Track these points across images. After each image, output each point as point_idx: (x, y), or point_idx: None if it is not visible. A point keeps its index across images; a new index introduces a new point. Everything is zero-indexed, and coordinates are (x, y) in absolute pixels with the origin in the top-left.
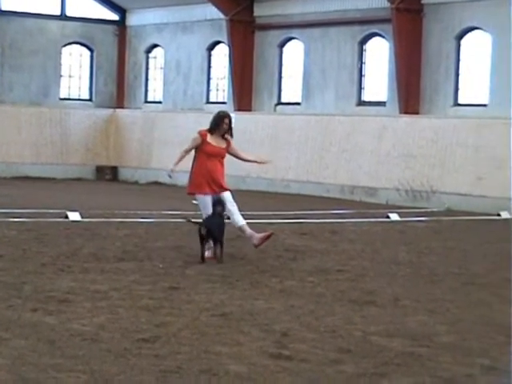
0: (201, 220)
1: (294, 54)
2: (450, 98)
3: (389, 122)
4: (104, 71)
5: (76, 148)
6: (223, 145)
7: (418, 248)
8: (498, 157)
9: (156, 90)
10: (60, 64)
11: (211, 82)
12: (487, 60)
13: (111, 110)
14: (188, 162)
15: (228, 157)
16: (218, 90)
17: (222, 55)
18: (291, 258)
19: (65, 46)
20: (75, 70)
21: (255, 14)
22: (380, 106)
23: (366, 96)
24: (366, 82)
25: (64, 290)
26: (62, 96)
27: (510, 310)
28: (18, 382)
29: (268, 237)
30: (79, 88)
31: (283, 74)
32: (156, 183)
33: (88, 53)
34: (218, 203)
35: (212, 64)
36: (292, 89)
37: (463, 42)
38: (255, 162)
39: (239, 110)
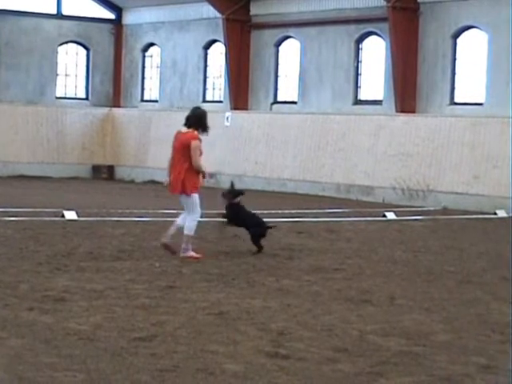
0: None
1: (291, 52)
2: (447, 97)
3: (385, 120)
4: (100, 70)
5: (72, 147)
6: None
7: (415, 247)
8: (495, 155)
9: (152, 89)
10: (56, 63)
11: (207, 80)
12: (483, 59)
13: (107, 109)
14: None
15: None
16: (214, 88)
17: (218, 54)
18: (288, 256)
19: (61, 44)
20: (71, 68)
21: (251, 12)
22: (376, 105)
23: (363, 95)
24: (362, 80)
25: (60, 289)
26: (58, 95)
27: (505, 309)
28: (15, 381)
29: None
30: (75, 87)
31: (279, 73)
32: (152, 182)
33: (84, 51)
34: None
35: (208, 63)
36: (288, 88)
37: (459, 40)
38: None
39: (235, 108)
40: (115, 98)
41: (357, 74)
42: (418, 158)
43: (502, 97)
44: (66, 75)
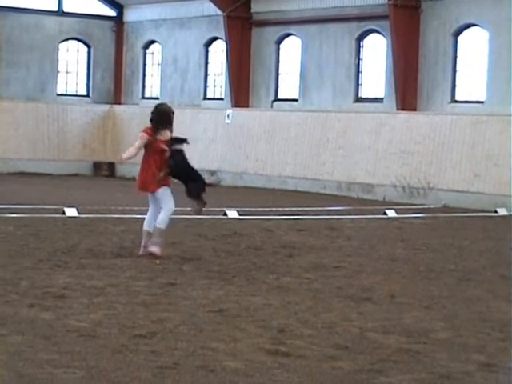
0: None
1: (292, 50)
2: (447, 95)
3: (386, 118)
4: (101, 67)
5: (73, 144)
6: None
7: (415, 244)
8: (495, 153)
9: (153, 86)
10: (57, 60)
11: (208, 78)
12: (484, 57)
13: (108, 106)
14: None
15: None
16: (215, 86)
17: (219, 51)
18: (288, 254)
19: (62, 41)
20: (72, 65)
21: (252, 10)
22: (377, 103)
23: (364, 92)
24: (363, 78)
25: (61, 286)
26: (59, 92)
27: (505, 307)
28: (15, 378)
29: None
30: (76, 84)
31: (280, 71)
32: None
33: (85, 49)
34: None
35: (209, 60)
36: (289, 85)
37: (460, 38)
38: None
39: (236, 106)
40: (116, 95)
41: (358, 72)
42: (418, 155)
43: (502, 95)
44: (67, 72)
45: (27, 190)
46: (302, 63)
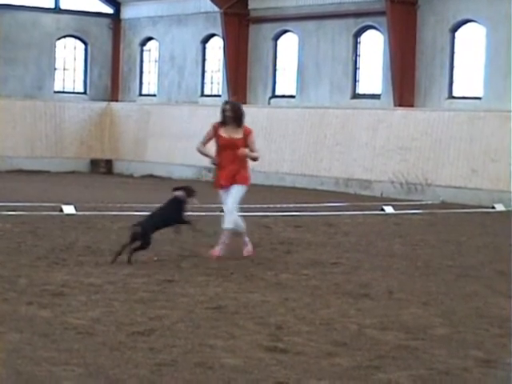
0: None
1: (289, 46)
2: (445, 91)
3: (383, 114)
4: (98, 64)
5: (70, 141)
6: (237, 135)
7: (413, 241)
8: (493, 149)
9: (150, 83)
10: (54, 57)
11: (206, 74)
12: (482, 53)
13: (106, 103)
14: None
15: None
16: (212, 82)
17: (216, 48)
18: (286, 250)
19: (59, 39)
20: (70, 63)
21: (250, 6)
22: (375, 99)
23: (361, 89)
24: (360, 74)
25: (59, 284)
26: (56, 89)
27: (503, 303)
28: (13, 376)
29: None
30: (74, 81)
31: (278, 67)
32: (151, 176)
33: (82, 46)
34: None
35: (206, 57)
36: (286, 82)
37: (458, 34)
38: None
39: None
40: (113, 92)
41: (355, 68)
42: (416, 152)
43: (500, 91)
44: (65, 69)
45: (25, 188)
46: (299, 60)
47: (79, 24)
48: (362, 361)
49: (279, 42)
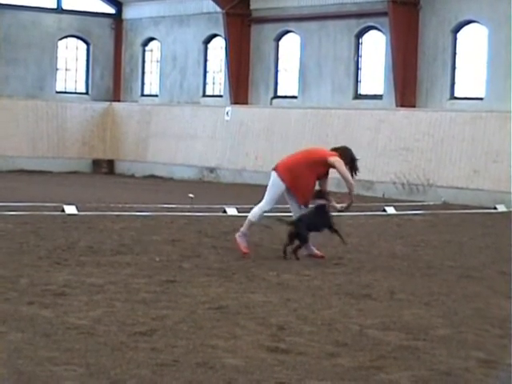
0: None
1: (291, 47)
2: (447, 92)
3: (385, 115)
4: (100, 64)
5: (72, 141)
6: None
7: (414, 241)
8: (495, 150)
9: (152, 84)
10: (56, 57)
11: (207, 75)
12: (483, 53)
13: (107, 104)
14: None
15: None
16: (214, 83)
17: (218, 48)
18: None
19: (61, 39)
20: (71, 63)
21: (251, 7)
22: (376, 100)
23: (363, 89)
24: (362, 75)
25: (60, 284)
26: (58, 89)
27: (505, 303)
28: (14, 376)
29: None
30: (75, 81)
31: (279, 68)
32: (152, 176)
33: (84, 46)
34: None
35: (208, 57)
36: (288, 82)
37: (460, 35)
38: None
39: (235, 103)
40: (115, 93)
41: (357, 69)
42: (418, 152)
43: (502, 91)
44: (66, 70)
45: (26, 188)
46: (301, 60)
47: (81, 24)
48: (363, 361)
49: (281, 42)
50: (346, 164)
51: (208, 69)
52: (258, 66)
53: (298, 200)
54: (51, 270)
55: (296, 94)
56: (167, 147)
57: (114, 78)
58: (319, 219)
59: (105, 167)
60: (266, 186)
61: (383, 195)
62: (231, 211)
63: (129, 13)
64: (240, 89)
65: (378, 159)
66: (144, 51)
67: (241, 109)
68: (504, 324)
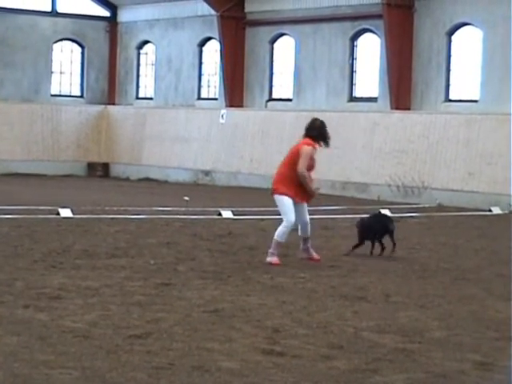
0: None
1: (285, 50)
2: (441, 94)
3: (380, 117)
4: (95, 67)
5: (67, 144)
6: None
7: (410, 244)
8: (489, 152)
9: (147, 87)
10: (51, 60)
11: (202, 78)
12: (478, 56)
13: (102, 107)
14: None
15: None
16: (209, 86)
17: (213, 51)
18: (283, 253)
19: (56, 42)
20: (66, 66)
21: (246, 9)
22: (371, 102)
23: (358, 92)
24: (357, 77)
25: (56, 287)
26: (53, 92)
27: (500, 306)
28: (10, 379)
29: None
30: (70, 84)
31: (274, 70)
32: (147, 179)
33: (79, 49)
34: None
35: (203, 60)
36: (283, 85)
37: (454, 37)
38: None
39: (230, 105)
40: (110, 96)
41: (352, 71)
42: (412, 154)
43: (496, 94)
44: (61, 73)
45: (21, 191)
46: (295, 63)
47: (76, 27)
48: (358, 364)
49: (276, 45)
50: (315, 137)
51: (203, 72)
52: (253, 69)
53: (307, 201)
54: (46, 273)
55: (291, 96)
56: (162, 150)
57: (109, 81)
58: (383, 226)
59: (100, 170)
60: (260, 189)
61: (378, 198)
62: (226, 214)
63: (124, 16)
64: (235, 92)
65: (372, 162)
66: (139, 54)
67: (236, 112)
68: (500, 326)
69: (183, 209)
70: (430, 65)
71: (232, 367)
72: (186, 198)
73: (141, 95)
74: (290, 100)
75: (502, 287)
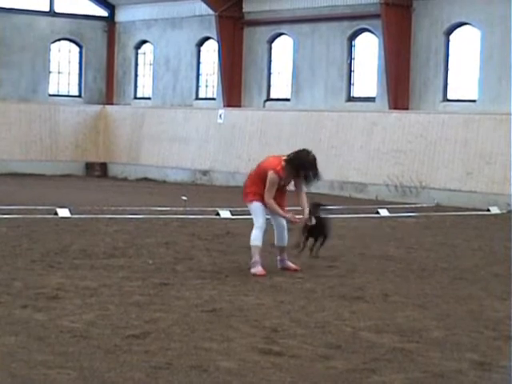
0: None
1: (284, 49)
2: (439, 94)
3: (378, 117)
4: (93, 67)
5: (65, 144)
6: None
7: (408, 243)
8: (487, 152)
9: (145, 86)
10: (49, 60)
11: (200, 78)
12: (476, 55)
13: (100, 107)
14: None
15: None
16: (207, 86)
17: (211, 51)
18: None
19: (54, 42)
20: (64, 66)
21: (244, 9)
22: (369, 102)
23: (356, 92)
24: (355, 77)
25: (54, 287)
26: (51, 92)
27: (498, 305)
28: (8, 379)
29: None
30: (68, 84)
31: (272, 70)
32: (145, 179)
33: (77, 49)
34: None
35: (201, 60)
36: (281, 85)
37: (452, 37)
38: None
39: (228, 105)
40: (108, 96)
41: (350, 71)
42: (411, 154)
43: (494, 93)
44: (59, 73)
45: (20, 191)
46: (294, 63)
47: (74, 27)
48: (356, 364)
49: (274, 44)
50: (290, 174)
51: (201, 71)
52: (251, 69)
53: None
54: (44, 273)
55: (289, 96)
56: (160, 150)
57: (107, 80)
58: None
59: (98, 170)
60: None
61: (376, 197)
62: (224, 214)
63: (121, 16)
64: (233, 91)
65: (370, 161)
66: (137, 54)
67: (234, 111)
68: (498, 326)
69: (181, 209)
70: (428, 64)
71: (230, 367)
72: (184, 198)
73: (139, 95)
74: (288, 100)
75: (500, 287)
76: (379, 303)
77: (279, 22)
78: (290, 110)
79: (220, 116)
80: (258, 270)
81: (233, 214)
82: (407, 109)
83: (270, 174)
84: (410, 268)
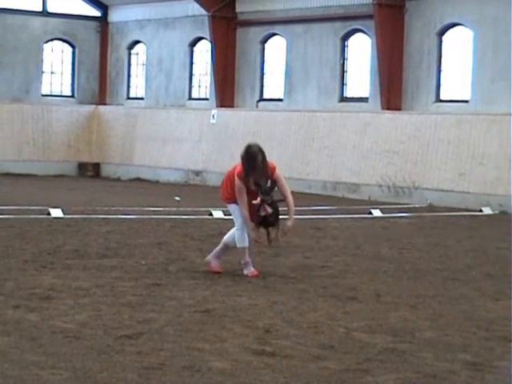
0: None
1: (276, 50)
2: (432, 94)
3: (371, 118)
4: (86, 68)
5: (58, 145)
6: None
7: (401, 244)
8: (480, 153)
9: (138, 87)
10: (42, 60)
11: (193, 78)
12: (469, 56)
13: (93, 107)
14: None
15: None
16: (200, 86)
17: (204, 51)
18: (273, 254)
19: (47, 42)
20: (57, 66)
21: (237, 10)
22: (362, 102)
23: (349, 92)
24: (348, 78)
25: (46, 287)
26: (43, 92)
27: (491, 306)
28: (0, 379)
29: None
30: (61, 84)
31: (265, 70)
32: (138, 179)
33: (70, 49)
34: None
35: (194, 60)
36: (274, 85)
37: (445, 37)
38: None
39: (221, 106)
40: (101, 96)
41: (343, 72)
42: (403, 155)
43: (487, 94)
44: (52, 73)
45: (12, 191)
46: (286, 63)
47: (67, 27)
48: (349, 364)
49: (267, 45)
50: (246, 175)
51: (194, 72)
52: (244, 69)
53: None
54: (37, 273)
55: (282, 96)
56: (153, 150)
57: (100, 81)
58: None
59: (91, 170)
60: None
61: (369, 198)
62: (217, 214)
63: (114, 16)
64: (226, 92)
65: (363, 162)
66: (130, 54)
67: (227, 112)
68: (490, 326)
69: (174, 209)
70: (421, 65)
71: (223, 367)
72: (177, 198)
73: (132, 95)
74: (280, 100)
75: (492, 287)
76: (372, 303)
77: (272, 23)
78: (282, 111)
79: (213, 116)
80: (250, 270)
81: (225, 215)
82: (400, 109)
83: (236, 181)
84: (403, 268)
